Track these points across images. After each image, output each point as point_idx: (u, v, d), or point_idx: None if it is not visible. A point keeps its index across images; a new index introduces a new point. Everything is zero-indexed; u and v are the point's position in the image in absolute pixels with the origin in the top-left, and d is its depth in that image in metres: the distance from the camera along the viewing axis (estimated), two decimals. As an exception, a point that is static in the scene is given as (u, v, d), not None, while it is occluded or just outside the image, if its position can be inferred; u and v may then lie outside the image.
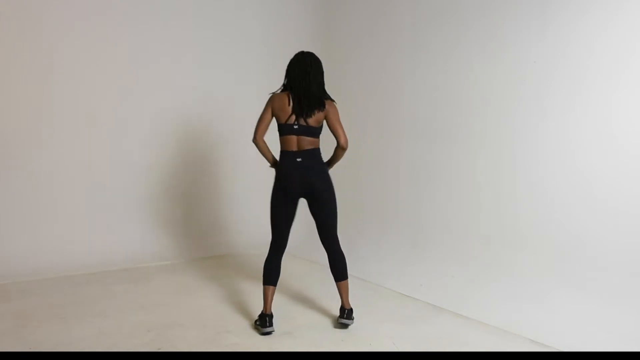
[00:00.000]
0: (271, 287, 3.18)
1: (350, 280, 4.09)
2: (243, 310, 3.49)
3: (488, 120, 3.96)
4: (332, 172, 3.28)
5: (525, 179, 3.70)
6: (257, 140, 3.16)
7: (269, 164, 3.28)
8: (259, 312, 3.22)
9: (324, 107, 3.13)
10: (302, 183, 3.12)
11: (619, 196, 3.17)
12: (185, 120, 5.05)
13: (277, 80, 3.41)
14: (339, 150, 3.23)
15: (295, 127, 3.10)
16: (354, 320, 3.24)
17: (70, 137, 4.53)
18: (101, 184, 4.66)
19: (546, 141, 3.56)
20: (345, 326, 3.21)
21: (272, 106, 3.14)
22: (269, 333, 3.07)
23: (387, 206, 4.89)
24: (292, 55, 3.25)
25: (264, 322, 3.09)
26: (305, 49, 3.26)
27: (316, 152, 3.17)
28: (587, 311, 3.14)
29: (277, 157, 3.23)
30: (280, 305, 3.49)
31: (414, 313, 3.45)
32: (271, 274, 3.19)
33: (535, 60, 3.60)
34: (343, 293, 3.25)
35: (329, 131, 3.18)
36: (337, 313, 3.30)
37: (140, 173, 4.86)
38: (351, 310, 3.25)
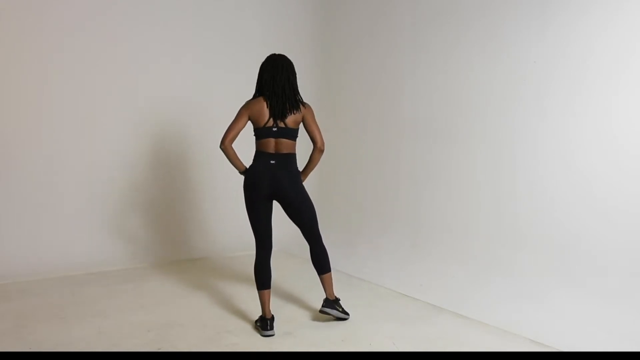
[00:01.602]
0: (266, 291, 3.17)
1: (350, 280, 4.13)
2: (243, 310, 3.49)
3: (488, 120, 3.96)
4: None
5: (525, 179, 3.70)
6: (227, 146, 3.08)
7: (238, 171, 3.22)
8: (259, 312, 3.21)
9: (301, 107, 3.14)
10: (272, 185, 3.10)
11: (619, 196, 3.17)
12: (185, 121, 5.05)
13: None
14: (317, 153, 3.22)
15: (275, 129, 3.09)
16: (347, 315, 3.25)
17: (70, 137, 4.53)
18: (101, 183, 4.66)
19: (546, 141, 3.56)
20: (329, 315, 3.22)
21: (249, 112, 3.10)
22: (269, 336, 3.07)
23: (387, 206, 4.89)
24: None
25: (264, 325, 3.08)
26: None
27: (291, 157, 3.16)
28: (587, 311, 3.14)
29: (247, 164, 3.20)
30: (279, 305, 3.50)
31: (414, 313, 3.44)
32: (263, 277, 3.18)
33: (535, 60, 3.60)
34: (327, 285, 3.26)
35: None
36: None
37: (140, 173, 4.86)
38: (337, 299, 3.26)
